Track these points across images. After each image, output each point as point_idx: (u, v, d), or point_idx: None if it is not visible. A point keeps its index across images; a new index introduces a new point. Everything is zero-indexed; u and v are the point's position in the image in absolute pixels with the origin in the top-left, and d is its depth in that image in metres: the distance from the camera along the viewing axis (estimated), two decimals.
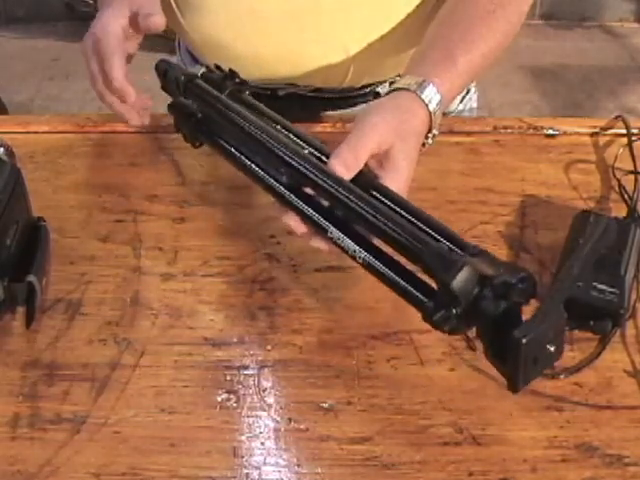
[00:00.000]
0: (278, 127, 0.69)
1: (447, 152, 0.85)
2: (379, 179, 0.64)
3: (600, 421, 0.61)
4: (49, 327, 0.67)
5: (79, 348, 0.66)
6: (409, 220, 0.60)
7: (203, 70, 0.75)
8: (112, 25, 0.73)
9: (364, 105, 0.94)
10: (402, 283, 0.57)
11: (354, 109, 0.94)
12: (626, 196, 0.79)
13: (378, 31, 0.85)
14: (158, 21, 0.73)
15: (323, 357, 0.65)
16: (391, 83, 0.78)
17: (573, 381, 0.63)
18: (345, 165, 0.62)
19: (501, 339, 0.52)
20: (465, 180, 0.82)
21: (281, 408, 0.62)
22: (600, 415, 0.61)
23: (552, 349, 0.52)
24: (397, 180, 0.65)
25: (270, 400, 0.63)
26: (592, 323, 0.66)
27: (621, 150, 0.84)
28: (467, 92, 1.02)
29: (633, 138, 0.85)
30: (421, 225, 0.59)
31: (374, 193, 0.62)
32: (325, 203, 0.63)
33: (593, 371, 0.64)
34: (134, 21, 0.74)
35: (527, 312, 0.54)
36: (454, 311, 0.53)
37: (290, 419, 0.61)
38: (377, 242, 0.61)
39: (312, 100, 0.94)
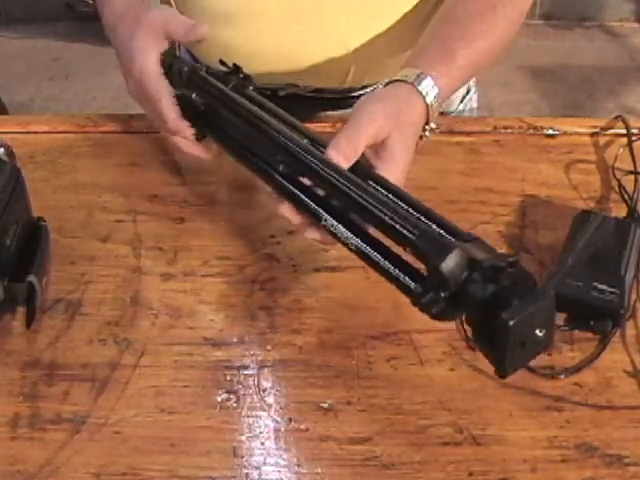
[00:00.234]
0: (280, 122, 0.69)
1: (447, 152, 0.85)
2: (375, 169, 0.64)
3: (600, 421, 0.61)
4: (49, 327, 0.67)
5: (79, 348, 0.66)
6: (404, 208, 0.60)
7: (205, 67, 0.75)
8: (147, 63, 0.72)
9: None
10: (392, 269, 0.57)
11: None
12: (626, 196, 0.79)
13: (379, 31, 0.85)
14: (205, 31, 0.73)
15: (323, 357, 0.66)
16: None
17: (573, 381, 0.63)
18: (343, 155, 0.62)
19: (490, 323, 0.51)
20: (465, 180, 0.82)
21: (281, 408, 0.62)
22: (600, 415, 0.61)
23: (541, 334, 0.52)
24: (393, 170, 0.65)
25: (270, 400, 0.63)
26: (592, 323, 0.66)
27: (621, 150, 0.84)
28: (467, 92, 1.02)
29: (633, 138, 0.85)
30: (414, 212, 0.60)
31: (370, 183, 0.62)
32: (321, 192, 0.63)
33: (593, 371, 0.64)
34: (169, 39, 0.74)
35: None
36: (442, 294, 0.52)
37: (290, 419, 0.61)
38: (371, 231, 0.60)
39: (313, 100, 0.94)
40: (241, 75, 0.73)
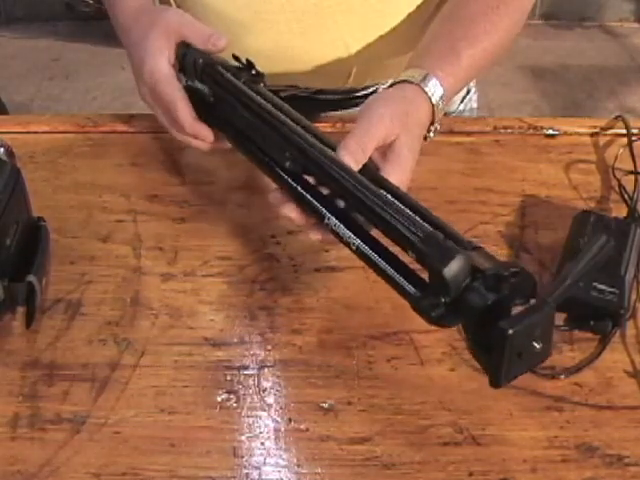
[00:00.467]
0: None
1: (447, 152, 0.85)
2: (381, 170, 0.64)
3: (600, 421, 0.61)
4: (49, 327, 0.67)
5: (79, 348, 0.66)
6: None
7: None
8: (159, 67, 0.71)
9: None
10: (392, 271, 0.57)
11: (356, 109, 0.94)
12: (626, 196, 0.79)
13: (381, 32, 0.85)
14: (225, 43, 0.73)
15: (323, 357, 0.66)
16: None
17: (573, 381, 0.63)
18: (353, 157, 0.62)
19: (487, 331, 0.51)
20: (465, 180, 0.82)
21: (281, 408, 0.62)
22: (600, 415, 0.61)
23: (538, 347, 0.52)
24: (400, 172, 0.65)
25: (270, 400, 0.63)
26: (592, 323, 0.66)
27: (621, 150, 0.84)
28: (467, 92, 1.02)
29: (633, 138, 0.85)
30: (419, 219, 0.60)
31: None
32: (325, 191, 0.63)
33: (593, 371, 0.64)
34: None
35: None
36: (443, 299, 0.52)
37: (290, 419, 0.61)
38: (373, 233, 0.60)
39: (314, 101, 0.94)
40: (253, 72, 0.73)
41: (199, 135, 0.72)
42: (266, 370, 0.65)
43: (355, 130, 0.64)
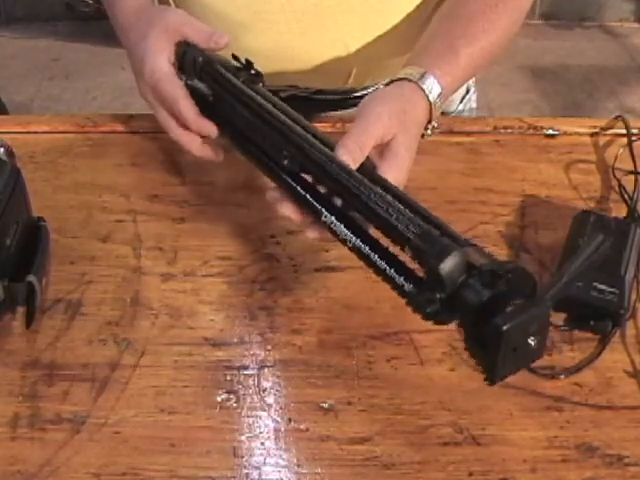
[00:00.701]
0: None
1: (447, 152, 0.85)
2: (378, 169, 0.64)
3: (600, 421, 0.61)
4: (49, 327, 0.67)
5: (79, 348, 0.66)
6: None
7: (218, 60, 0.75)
8: (160, 66, 0.71)
9: None
10: (388, 269, 0.57)
11: (355, 109, 0.94)
12: (626, 196, 0.79)
13: (381, 32, 0.85)
14: (227, 41, 0.73)
15: (323, 357, 0.66)
16: None
17: (573, 381, 0.63)
18: (351, 156, 0.62)
19: (482, 328, 0.51)
20: (465, 180, 0.82)
21: (281, 408, 0.62)
22: (600, 415, 0.61)
23: (533, 343, 0.51)
24: (397, 171, 0.65)
25: (270, 400, 0.63)
26: (592, 323, 0.66)
27: (621, 150, 0.84)
28: (467, 92, 1.02)
29: (633, 138, 0.85)
30: (415, 217, 0.60)
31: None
32: (322, 189, 0.63)
33: (593, 371, 0.64)
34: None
35: None
36: (438, 295, 0.52)
37: (290, 419, 0.61)
38: (370, 231, 0.60)
39: (314, 101, 0.94)
40: (252, 71, 0.73)
41: (203, 130, 0.72)
42: (266, 370, 0.65)
43: (353, 129, 0.64)
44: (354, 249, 0.59)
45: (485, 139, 0.87)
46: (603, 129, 0.88)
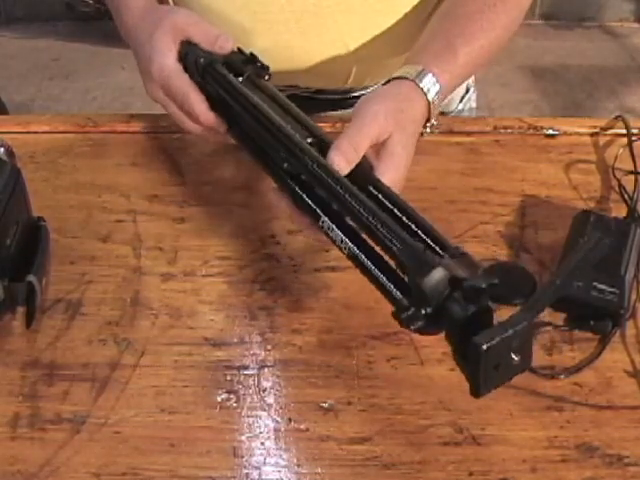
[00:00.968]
0: (288, 118, 0.70)
1: (447, 152, 0.85)
2: (375, 169, 0.64)
3: (600, 421, 0.61)
4: (49, 327, 0.68)
5: (79, 348, 0.66)
6: (396, 216, 0.60)
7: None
8: (168, 63, 0.71)
9: None
10: (381, 277, 0.57)
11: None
12: (626, 196, 0.79)
13: (380, 32, 0.85)
14: (230, 44, 0.73)
15: (323, 357, 0.66)
16: None
17: (573, 381, 0.63)
18: (345, 157, 0.62)
19: (465, 344, 0.51)
20: (465, 180, 0.82)
21: (281, 408, 0.62)
22: (600, 415, 0.61)
23: (517, 358, 0.51)
24: (393, 170, 0.64)
25: (270, 400, 0.63)
26: (592, 323, 0.66)
27: (621, 150, 0.84)
28: (467, 91, 1.02)
29: (633, 138, 0.85)
30: (406, 220, 0.60)
31: (366, 184, 0.62)
32: (322, 194, 0.63)
33: (593, 371, 0.64)
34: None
35: None
36: (423, 311, 0.52)
37: (290, 419, 0.61)
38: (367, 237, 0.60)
39: (314, 101, 0.94)
40: (258, 64, 0.73)
41: (213, 124, 0.72)
42: (266, 370, 0.65)
43: (348, 129, 0.64)
44: (349, 255, 0.59)
45: (485, 139, 0.87)
46: (603, 129, 0.88)
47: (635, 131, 0.86)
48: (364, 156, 0.64)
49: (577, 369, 0.64)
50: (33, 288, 0.65)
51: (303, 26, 0.84)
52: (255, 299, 0.70)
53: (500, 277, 0.53)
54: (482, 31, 0.75)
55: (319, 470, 0.58)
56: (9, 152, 0.72)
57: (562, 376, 0.63)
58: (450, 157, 0.85)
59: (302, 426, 0.61)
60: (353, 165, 0.62)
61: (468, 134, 0.88)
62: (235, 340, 0.67)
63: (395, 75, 0.71)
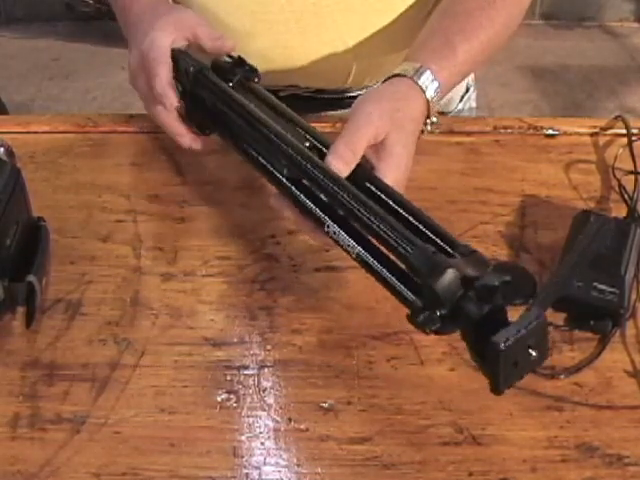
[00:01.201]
0: (282, 120, 0.70)
1: (447, 152, 0.85)
2: (376, 170, 0.64)
3: (600, 421, 0.61)
4: (49, 327, 0.67)
5: (79, 348, 0.66)
6: (401, 216, 0.60)
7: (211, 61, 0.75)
8: (162, 41, 0.72)
9: None
10: (393, 280, 0.57)
11: None
12: (626, 196, 0.78)
13: (380, 31, 0.85)
14: (232, 46, 0.73)
15: (323, 357, 0.66)
16: None
17: (573, 381, 0.63)
18: (342, 160, 0.62)
19: (482, 343, 0.52)
20: (465, 180, 0.82)
21: (281, 408, 0.62)
22: (600, 415, 0.61)
23: (534, 354, 0.52)
24: (394, 170, 0.64)
25: (270, 400, 0.63)
26: (592, 323, 0.66)
27: (621, 150, 0.84)
28: (466, 91, 1.02)
29: (633, 138, 0.85)
30: (413, 221, 0.60)
31: (369, 186, 0.62)
32: (325, 198, 0.63)
33: (593, 371, 0.64)
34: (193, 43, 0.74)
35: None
36: (438, 313, 0.53)
37: (290, 419, 0.61)
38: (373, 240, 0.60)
39: (314, 101, 0.94)
40: (246, 67, 0.73)
41: (166, 97, 0.71)
42: (266, 370, 0.65)
43: (343, 132, 0.64)
44: (358, 259, 0.59)
45: (485, 139, 0.87)
46: (603, 129, 0.88)
47: (635, 131, 0.86)
48: (365, 157, 0.64)
49: (577, 369, 0.64)
50: (33, 288, 0.65)
51: (303, 26, 0.84)
52: (255, 299, 0.70)
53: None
54: (481, 28, 0.74)
55: (319, 470, 0.58)
56: (9, 152, 0.72)
57: (562, 376, 0.63)
58: (450, 157, 0.85)
59: (302, 426, 0.61)
60: (352, 167, 0.62)
61: (468, 134, 0.88)
62: (235, 340, 0.67)
63: (393, 73, 0.70)
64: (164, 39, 0.72)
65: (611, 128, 0.88)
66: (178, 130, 0.74)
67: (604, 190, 0.81)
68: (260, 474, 0.58)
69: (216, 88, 0.71)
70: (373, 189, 0.62)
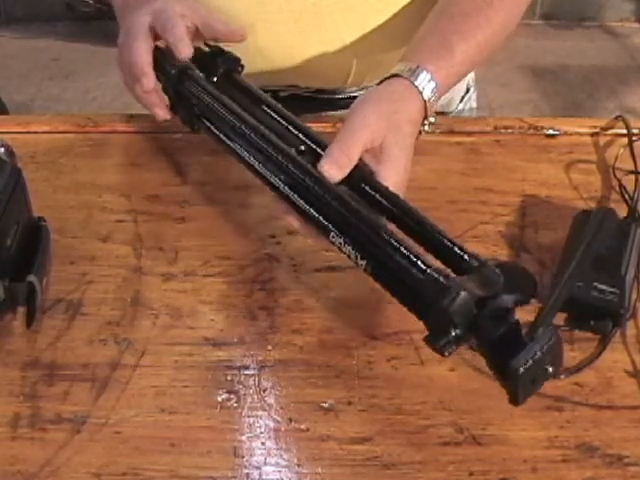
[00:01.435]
0: (274, 115, 0.69)
1: (447, 152, 0.85)
2: (376, 174, 0.64)
3: (600, 421, 0.61)
4: (49, 327, 0.67)
5: (79, 348, 0.66)
6: (406, 224, 0.60)
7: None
8: (140, 16, 0.72)
9: None
10: (405, 293, 0.57)
11: None
12: (626, 196, 0.78)
13: (380, 31, 0.85)
14: (244, 35, 0.74)
15: (323, 357, 0.66)
16: None
17: (573, 381, 0.63)
18: (337, 165, 0.62)
19: (500, 361, 0.52)
20: (465, 180, 0.82)
21: (281, 408, 0.62)
22: (600, 415, 0.61)
23: (551, 370, 0.53)
24: (394, 173, 0.64)
25: (270, 400, 0.63)
26: (592, 323, 0.66)
27: (621, 150, 0.84)
28: (467, 91, 1.02)
29: (633, 138, 0.85)
30: (413, 225, 0.59)
31: (369, 190, 0.62)
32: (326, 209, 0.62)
33: (593, 371, 0.64)
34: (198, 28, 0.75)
35: (527, 311, 0.55)
36: (453, 333, 0.53)
37: (290, 419, 0.61)
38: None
39: (314, 101, 0.94)
40: (227, 55, 0.73)
41: (142, 71, 0.72)
42: (266, 370, 0.65)
43: (339, 136, 0.63)
44: (367, 272, 0.59)
45: (485, 139, 0.87)
46: (603, 129, 0.88)
47: (635, 131, 0.86)
48: (363, 162, 0.64)
49: (577, 369, 0.64)
50: (33, 288, 0.65)
51: (302, 25, 0.84)
52: (255, 299, 0.70)
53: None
54: (479, 28, 0.74)
55: (319, 470, 0.58)
56: (9, 152, 0.72)
57: (562, 376, 0.63)
58: (450, 157, 0.85)
59: (302, 426, 0.61)
60: (347, 171, 0.62)
61: (468, 134, 0.88)
62: (235, 340, 0.67)
63: (390, 73, 0.70)
64: (143, 17, 0.73)
65: (611, 128, 0.88)
66: (153, 100, 0.75)
67: (604, 190, 0.81)
68: (260, 474, 0.58)
69: (198, 89, 0.71)
70: (375, 194, 0.62)
